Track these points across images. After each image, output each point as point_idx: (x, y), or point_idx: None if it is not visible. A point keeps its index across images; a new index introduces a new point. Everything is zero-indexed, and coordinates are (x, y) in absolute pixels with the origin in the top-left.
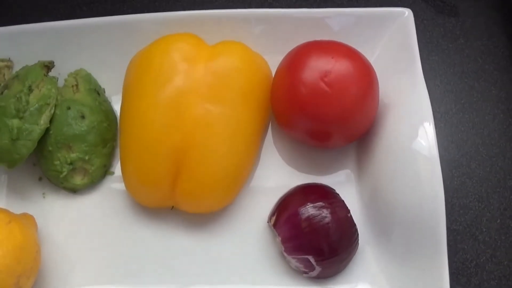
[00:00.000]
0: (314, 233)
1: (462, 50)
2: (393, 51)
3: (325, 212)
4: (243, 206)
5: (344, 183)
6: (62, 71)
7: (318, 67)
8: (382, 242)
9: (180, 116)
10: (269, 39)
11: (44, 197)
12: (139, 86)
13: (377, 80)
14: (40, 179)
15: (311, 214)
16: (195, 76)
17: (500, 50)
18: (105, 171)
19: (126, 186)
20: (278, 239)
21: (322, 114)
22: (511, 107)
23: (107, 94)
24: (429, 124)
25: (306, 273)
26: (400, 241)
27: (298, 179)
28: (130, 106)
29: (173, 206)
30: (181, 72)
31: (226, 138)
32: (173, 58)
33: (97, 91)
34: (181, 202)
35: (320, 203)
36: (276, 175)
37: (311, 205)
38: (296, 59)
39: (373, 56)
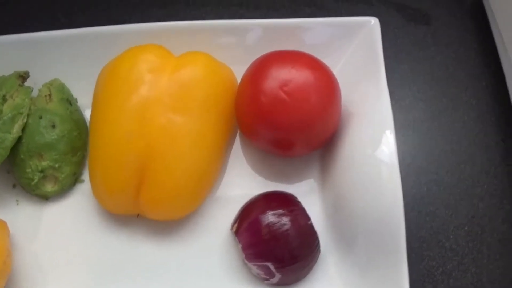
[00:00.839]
0: (274, 240)
1: (432, 58)
2: (359, 59)
3: (285, 220)
4: (208, 213)
5: (308, 191)
6: (38, 81)
7: (278, 76)
8: (344, 250)
9: (144, 125)
10: (238, 50)
11: (17, 204)
12: (107, 95)
13: (339, 89)
14: (14, 186)
15: (271, 221)
16: (159, 86)
17: (471, 57)
18: (75, 179)
19: (93, 193)
20: (239, 246)
21: (282, 123)
22: (481, 114)
23: (80, 103)
24: (390, 132)
25: (267, 280)
26: (361, 249)
27: (263, 187)
28: (98, 115)
29: (139, 214)
30: (146, 82)
31: (189, 147)
32: (139, 69)
33: (69, 101)
34: (146, 210)
35: (280, 211)
36: (241, 184)
37: (271, 212)
38: (258, 69)
39: (339, 64)
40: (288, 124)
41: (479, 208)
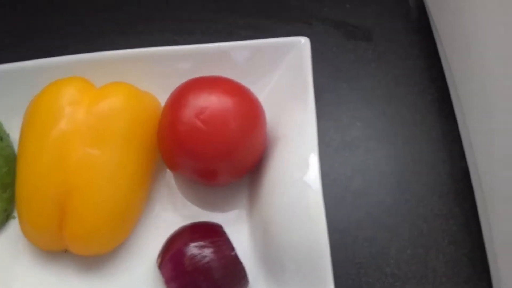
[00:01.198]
0: (196, 273)
1: (373, 75)
2: (289, 81)
3: (207, 251)
4: (135, 247)
5: (236, 220)
6: None
7: (195, 104)
8: (273, 280)
9: (63, 160)
10: (167, 78)
11: None
12: (29, 130)
13: (264, 114)
14: None
15: (193, 253)
16: (77, 119)
17: (416, 72)
18: (7, 215)
19: (21, 229)
20: (163, 279)
21: (200, 152)
22: (425, 130)
23: (13, 138)
24: (314, 156)
25: None
26: (290, 278)
27: (192, 217)
28: (21, 151)
29: (66, 249)
30: (65, 116)
31: (107, 180)
32: (59, 102)
33: (0, 136)
34: (70, 245)
35: (202, 243)
36: (169, 214)
37: (193, 244)
38: (176, 97)
39: (269, 87)
40: (207, 153)
41: (423, 230)
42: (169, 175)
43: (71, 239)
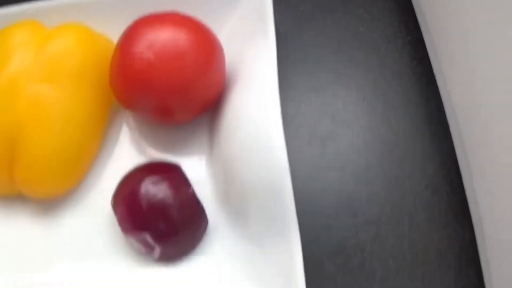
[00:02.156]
0: (149, 209)
1: (341, 20)
2: (249, 22)
3: (161, 187)
4: (90, 190)
5: (195, 162)
6: None
7: (146, 38)
8: (234, 222)
9: (13, 102)
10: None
11: None
12: None
13: (221, 49)
14: None
15: (147, 189)
16: (28, 59)
17: (386, 16)
18: None
19: None
20: (116, 218)
21: (153, 86)
22: (396, 74)
23: None
24: (274, 95)
25: (149, 254)
26: (252, 218)
27: (148, 158)
28: None
29: (19, 194)
30: (15, 57)
31: (59, 119)
32: (8, 44)
33: None
34: (22, 188)
35: (156, 178)
36: (126, 156)
37: (147, 180)
38: (127, 33)
39: (228, 27)
40: (160, 87)
41: (397, 173)
42: (126, 117)
43: (23, 181)
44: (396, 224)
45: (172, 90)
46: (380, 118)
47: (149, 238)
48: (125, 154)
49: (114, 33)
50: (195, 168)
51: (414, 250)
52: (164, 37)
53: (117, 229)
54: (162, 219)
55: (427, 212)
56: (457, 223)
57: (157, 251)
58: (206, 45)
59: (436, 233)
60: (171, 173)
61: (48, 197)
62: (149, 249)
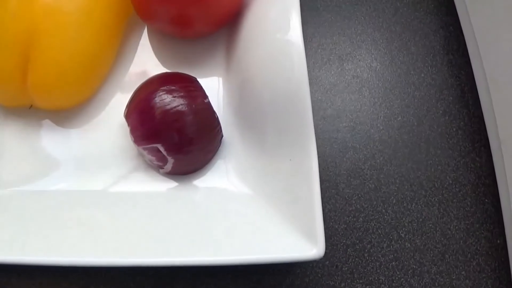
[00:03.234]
0: (163, 119)
1: None
2: None
3: (176, 96)
4: (103, 102)
5: (211, 75)
6: None
7: None
8: (250, 136)
9: (29, 6)
10: None
11: None
12: None
13: None
14: None
15: (161, 98)
16: None
17: None
18: None
19: None
20: (129, 129)
21: None
22: (416, 1)
23: None
24: (295, 13)
25: (161, 167)
26: (268, 133)
27: (163, 71)
28: None
29: (31, 106)
30: None
31: (75, 25)
32: None
33: None
34: (35, 97)
35: (172, 87)
36: (139, 70)
37: (162, 89)
38: None
39: None
40: None
41: (414, 97)
42: (142, 31)
43: (36, 90)
44: (413, 148)
45: None
46: (399, 42)
47: (162, 149)
48: (140, 67)
49: None
50: (211, 83)
51: (430, 176)
52: None
53: (129, 142)
54: (176, 129)
55: (444, 139)
56: (474, 151)
57: (170, 163)
58: None
59: (452, 161)
60: (187, 83)
61: (61, 108)
62: (162, 161)
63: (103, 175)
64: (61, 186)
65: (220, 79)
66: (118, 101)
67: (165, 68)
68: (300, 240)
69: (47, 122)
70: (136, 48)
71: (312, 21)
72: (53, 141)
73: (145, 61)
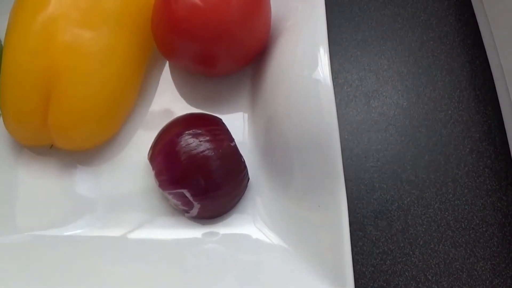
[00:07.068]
0: (189, 164)
1: None
2: None
3: (203, 140)
4: (126, 142)
5: (236, 115)
6: None
7: None
8: (277, 180)
9: (50, 42)
10: None
11: None
12: (16, 18)
13: None
14: None
15: (187, 142)
16: (66, 1)
17: None
18: None
19: (5, 124)
20: (153, 173)
21: (197, 31)
22: (442, 34)
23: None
24: (324, 50)
25: (186, 212)
26: (295, 177)
27: (188, 111)
28: (8, 39)
29: (52, 145)
30: None
31: (98, 64)
32: None
33: None
34: (55, 138)
35: (198, 131)
36: (163, 109)
37: (188, 132)
38: None
39: None
40: (205, 33)
41: (442, 135)
42: (165, 68)
43: (57, 130)
44: (440, 188)
45: (217, 36)
46: (426, 78)
47: (188, 195)
48: (163, 106)
49: None
50: (236, 122)
51: (457, 217)
52: None
53: (153, 184)
54: (202, 174)
55: (471, 178)
56: (501, 190)
57: (196, 208)
58: None
59: (479, 200)
60: (213, 126)
61: (82, 149)
62: (188, 206)
63: (125, 220)
64: (78, 232)
65: (246, 117)
66: (140, 140)
67: (188, 105)
68: None
69: (67, 162)
70: (158, 85)
71: (338, 57)
72: (72, 182)
73: (168, 99)
